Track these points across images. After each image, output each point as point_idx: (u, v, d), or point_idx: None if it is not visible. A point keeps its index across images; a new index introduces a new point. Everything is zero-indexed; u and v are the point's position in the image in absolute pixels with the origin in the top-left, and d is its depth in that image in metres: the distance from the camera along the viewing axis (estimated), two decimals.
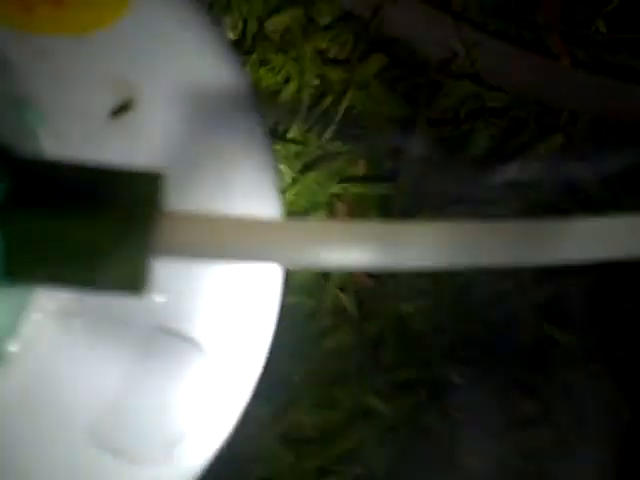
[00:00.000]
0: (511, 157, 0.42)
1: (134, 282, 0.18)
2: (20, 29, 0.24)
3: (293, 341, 0.43)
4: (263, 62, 0.40)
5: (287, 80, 0.40)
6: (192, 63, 0.25)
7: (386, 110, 0.41)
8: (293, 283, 0.42)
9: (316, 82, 0.41)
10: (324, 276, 0.42)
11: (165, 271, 0.24)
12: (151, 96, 0.24)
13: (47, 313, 0.24)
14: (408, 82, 0.42)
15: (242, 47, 0.40)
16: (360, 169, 0.42)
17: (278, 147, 0.41)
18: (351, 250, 0.17)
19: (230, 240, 0.18)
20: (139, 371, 0.24)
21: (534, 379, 0.44)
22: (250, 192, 0.25)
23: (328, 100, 0.41)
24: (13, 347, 0.23)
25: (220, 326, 0.26)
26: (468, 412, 0.44)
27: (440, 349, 0.43)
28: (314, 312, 0.43)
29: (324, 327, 0.43)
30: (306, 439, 0.42)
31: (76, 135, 0.24)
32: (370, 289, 0.43)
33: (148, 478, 0.25)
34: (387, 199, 0.42)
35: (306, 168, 0.41)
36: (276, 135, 0.40)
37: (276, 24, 0.40)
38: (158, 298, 0.25)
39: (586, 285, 0.45)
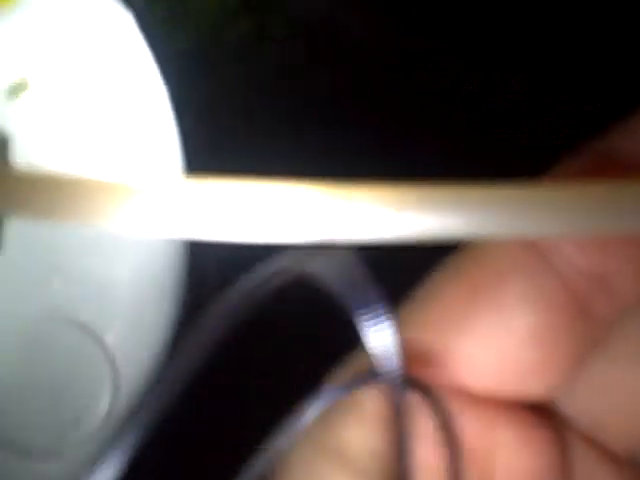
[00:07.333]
0: None
1: None
2: None
3: None
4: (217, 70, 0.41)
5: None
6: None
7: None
8: None
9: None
10: None
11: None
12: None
13: None
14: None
15: (196, 56, 0.41)
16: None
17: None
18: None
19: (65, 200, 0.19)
20: (27, 360, 0.24)
21: None
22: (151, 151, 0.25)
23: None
24: None
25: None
26: None
27: None
28: None
29: None
30: None
31: None
32: None
33: (37, 472, 0.24)
34: None
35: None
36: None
37: (231, 35, 0.41)
38: (56, 285, 0.25)
39: None
